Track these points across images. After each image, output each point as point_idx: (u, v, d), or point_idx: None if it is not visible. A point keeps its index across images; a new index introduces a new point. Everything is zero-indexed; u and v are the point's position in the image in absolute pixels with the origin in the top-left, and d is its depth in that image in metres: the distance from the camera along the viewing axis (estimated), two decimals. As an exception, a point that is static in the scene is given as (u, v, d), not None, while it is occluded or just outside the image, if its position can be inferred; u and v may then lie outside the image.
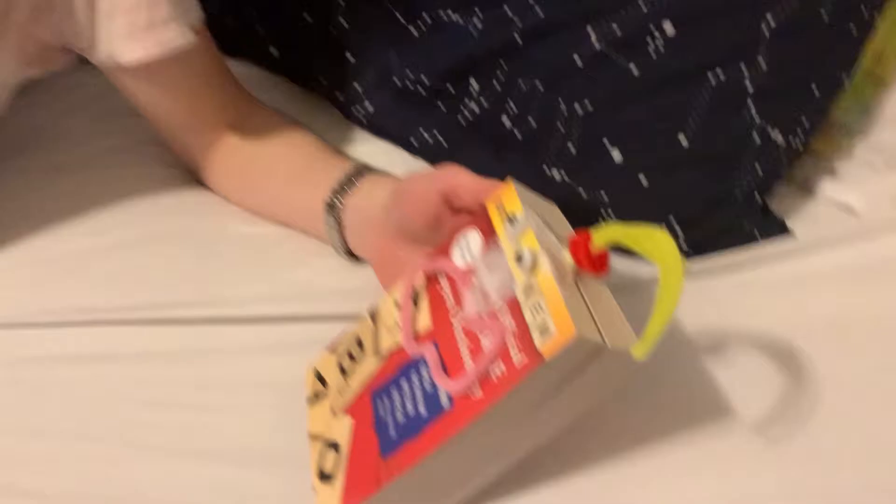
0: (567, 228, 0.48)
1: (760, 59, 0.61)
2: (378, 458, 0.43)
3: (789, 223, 0.68)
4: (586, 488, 0.46)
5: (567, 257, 0.41)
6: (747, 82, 0.61)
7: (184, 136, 0.68)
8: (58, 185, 0.69)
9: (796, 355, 0.54)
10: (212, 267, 0.63)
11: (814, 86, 0.63)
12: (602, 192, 0.64)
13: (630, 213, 0.64)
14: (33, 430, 0.51)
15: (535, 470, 0.46)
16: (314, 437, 0.48)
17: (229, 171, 0.68)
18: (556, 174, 0.65)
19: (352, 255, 0.63)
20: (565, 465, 0.47)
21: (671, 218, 0.64)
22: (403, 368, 0.45)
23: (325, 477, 0.45)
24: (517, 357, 0.38)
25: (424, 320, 0.45)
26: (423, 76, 0.71)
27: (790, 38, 0.61)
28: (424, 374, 0.43)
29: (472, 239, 0.46)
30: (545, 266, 0.40)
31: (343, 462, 0.45)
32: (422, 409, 0.42)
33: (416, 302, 0.47)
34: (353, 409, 0.46)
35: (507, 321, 0.40)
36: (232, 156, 0.67)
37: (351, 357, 0.49)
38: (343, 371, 0.49)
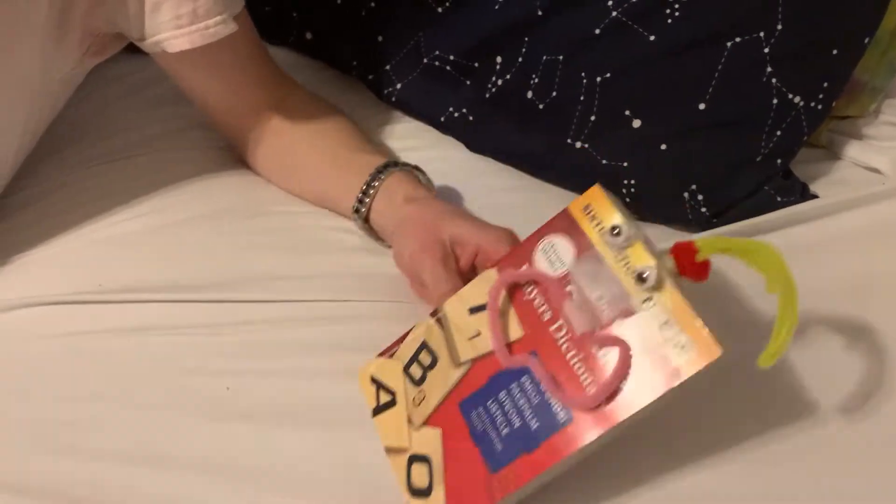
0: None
1: (778, 22, 0.61)
2: (486, 473, 0.43)
3: (814, 187, 0.68)
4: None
5: (668, 263, 0.42)
6: (765, 47, 0.61)
7: (228, 119, 0.71)
8: (112, 171, 0.73)
9: (824, 317, 0.55)
10: (252, 247, 0.65)
11: (834, 48, 0.63)
12: (622, 161, 0.65)
13: (650, 180, 0.65)
14: (89, 396, 0.54)
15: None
16: (394, 451, 0.47)
17: (267, 154, 0.71)
18: (578, 143, 0.66)
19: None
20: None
21: (692, 185, 0.64)
22: (496, 378, 0.45)
23: (418, 493, 0.45)
24: (652, 376, 0.40)
25: (515, 330, 0.45)
26: (450, 54, 0.73)
27: (808, 1, 0.61)
28: (528, 385, 0.43)
29: (561, 246, 0.45)
30: (670, 284, 0.41)
31: (439, 475, 0.44)
32: (532, 423, 0.42)
33: (502, 312, 0.46)
34: (437, 420, 0.46)
35: (631, 335, 0.41)
36: (271, 139, 0.70)
37: (421, 365, 0.48)
38: (413, 380, 0.48)
